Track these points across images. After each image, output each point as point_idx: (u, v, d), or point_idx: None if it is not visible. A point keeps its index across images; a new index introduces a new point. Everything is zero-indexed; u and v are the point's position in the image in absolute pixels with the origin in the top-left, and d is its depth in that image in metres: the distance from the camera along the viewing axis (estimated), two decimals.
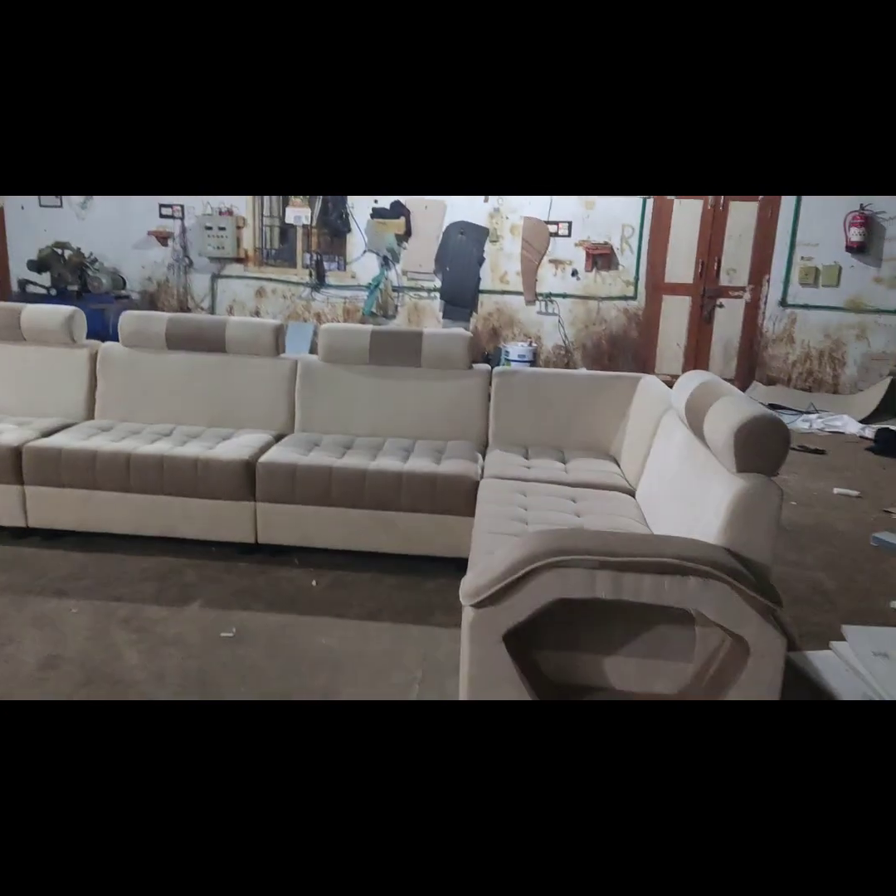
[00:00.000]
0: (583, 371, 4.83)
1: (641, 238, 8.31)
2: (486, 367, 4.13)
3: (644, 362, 8.55)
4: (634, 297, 8.46)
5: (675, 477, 2.86)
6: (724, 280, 8.21)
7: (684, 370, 8.38)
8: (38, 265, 8.55)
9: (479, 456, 3.77)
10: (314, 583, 3.39)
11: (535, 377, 4.14)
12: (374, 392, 4.04)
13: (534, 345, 8.37)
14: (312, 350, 7.76)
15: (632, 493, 3.34)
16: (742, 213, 8.03)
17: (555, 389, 4.03)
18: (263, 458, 3.54)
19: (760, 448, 2.28)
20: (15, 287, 9.01)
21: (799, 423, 7.10)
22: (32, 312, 4.21)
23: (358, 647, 2.89)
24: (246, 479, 3.51)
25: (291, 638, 2.94)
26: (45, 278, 8.60)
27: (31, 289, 8.62)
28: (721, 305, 8.27)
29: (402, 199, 8.57)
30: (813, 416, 7.33)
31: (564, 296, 8.57)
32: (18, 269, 9.01)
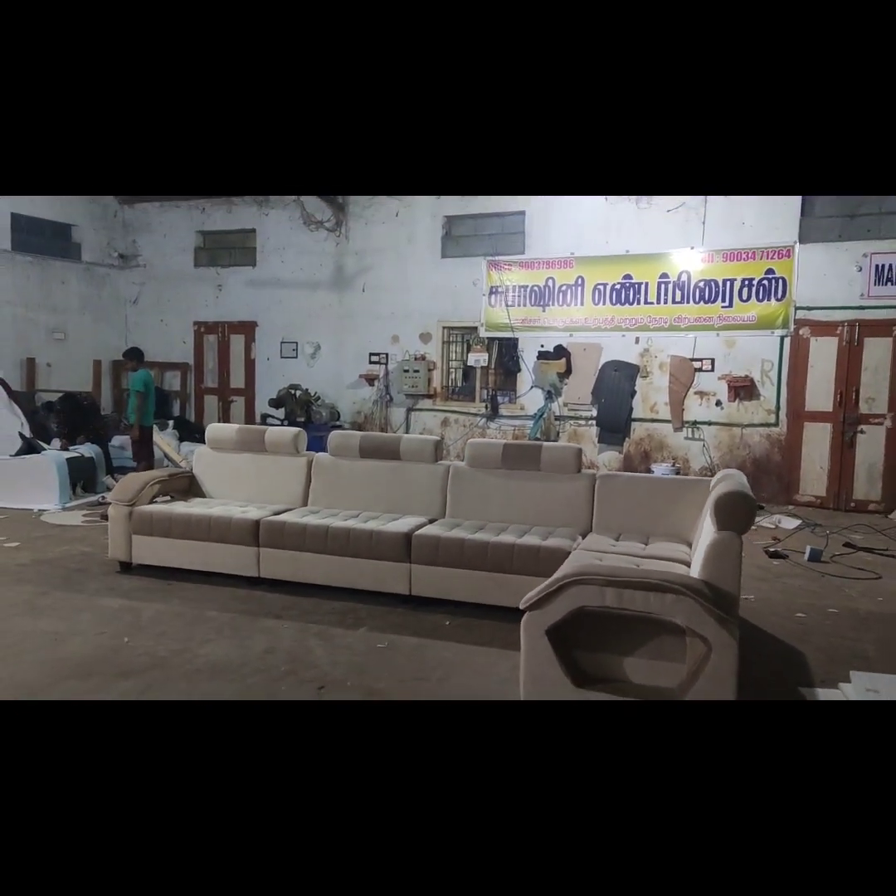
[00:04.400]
0: (669, 476, 5.81)
1: (781, 371, 9.14)
2: (593, 472, 5.30)
3: (788, 484, 9.14)
4: (776, 424, 9.20)
5: (701, 544, 3.85)
6: (863, 408, 8.76)
7: (829, 492, 8.90)
8: (276, 402, 10.94)
9: (580, 537, 4.89)
10: (447, 622, 4.62)
11: (631, 480, 5.25)
12: (504, 489, 5.33)
13: (677, 465, 9.29)
14: None
15: (689, 564, 4.30)
16: (877, 347, 8.66)
17: (646, 490, 5.10)
18: (417, 533, 4.92)
19: (730, 513, 3.30)
20: (257, 420, 11.43)
21: None
22: (272, 432, 6.04)
23: (470, 659, 4.07)
24: (404, 547, 4.88)
25: (424, 651, 4.17)
26: (280, 412, 10.94)
27: (269, 421, 10.95)
28: (862, 431, 8.77)
29: (564, 343, 10.08)
30: None
31: (709, 423, 9.49)
32: (261, 406, 11.51)
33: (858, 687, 3.62)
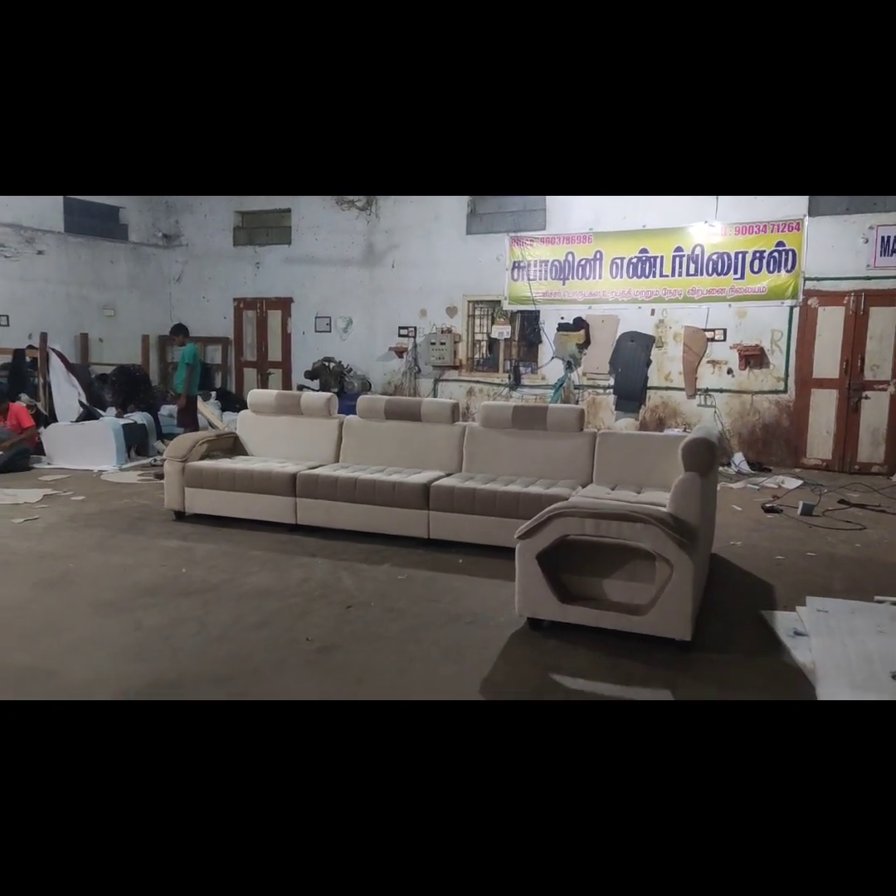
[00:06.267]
0: (662, 433, 6.36)
1: (790, 340, 9.54)
2: (594, 430, 5.87)
3: (796, 448, 9.58)
4: (785, 391, 9.62)
5: None
6: (868, 375, 9.15)
7: (835, 455, 9.33)
8: (311, 374, 11.63)
9: (580, 488, 5.48)
10: (460, 560, 5.27)
11: (627, 437, 5.81)
12: (514, 446, 5.94)
13: (687, 431, 9.76)
14: None
15: None
16: (882, 316, 9.02)
17: (641, 445, 5.66)
18: (434, 484, 5.56)
19: (693, 456, 3.87)
20: (294, 389, 12.13)
21: None
22: (307, 397, 6.71)
23: (476, 588, 4.71)
24: (423, 496, 5.53)
25: (439, 581, 4.83)
26: (315, 384, 11.62)
27: (305, 391, 11.62)
28: (867, 397, 9.17)
29: (583, 315, 10.57)
30: None
31: (721, 391, 9.95)
32: (297, 377, 12.22)
33: (811, 608, 4.18)
